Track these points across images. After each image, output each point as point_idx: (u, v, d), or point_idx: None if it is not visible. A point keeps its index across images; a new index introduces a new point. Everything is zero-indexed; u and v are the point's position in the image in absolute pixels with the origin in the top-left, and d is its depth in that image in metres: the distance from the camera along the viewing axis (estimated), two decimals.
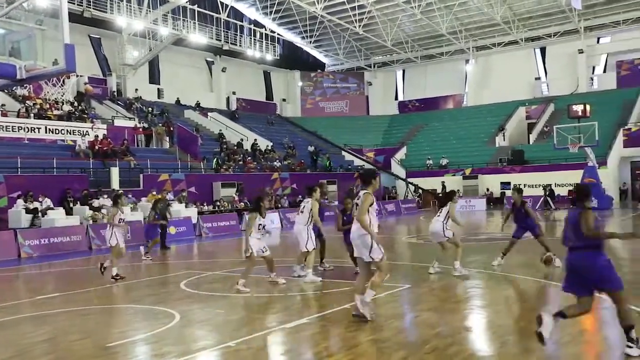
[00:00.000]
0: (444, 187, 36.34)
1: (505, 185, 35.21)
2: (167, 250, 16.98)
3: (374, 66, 52.03)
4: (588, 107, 30.48)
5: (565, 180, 32.25)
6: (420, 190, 37.71)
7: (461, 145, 40.62)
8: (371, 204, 7.23)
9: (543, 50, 45.11)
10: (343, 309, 8.08)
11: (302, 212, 10.76)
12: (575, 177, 30.97)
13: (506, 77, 44.98)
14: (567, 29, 43.01)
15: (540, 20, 43.15)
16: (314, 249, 10.65)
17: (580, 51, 42.42)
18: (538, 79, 45.34)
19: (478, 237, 18.59)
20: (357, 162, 40.05)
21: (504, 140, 40.35)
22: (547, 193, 30.96)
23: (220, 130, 35.03)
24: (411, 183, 38.23)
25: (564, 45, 43.34)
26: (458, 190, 35.59)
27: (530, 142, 39.16)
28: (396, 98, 51.95)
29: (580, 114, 30.28)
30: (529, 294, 9.07)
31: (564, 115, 34.91)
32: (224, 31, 38.97)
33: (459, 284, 9.89)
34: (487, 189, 35.57)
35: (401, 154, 42.01)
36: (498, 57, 46.22)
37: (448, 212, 10.96)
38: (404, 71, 51.75)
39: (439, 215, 11.04)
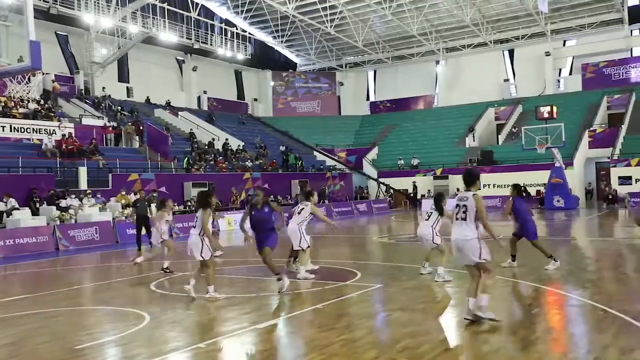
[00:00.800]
0: (415, 187, 36.76)
1: None
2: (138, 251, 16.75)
3: (346, 66, 52.22)
4: (555, 108, 31.12)
5: (533, 180, 32.88)
6: (391, 190, 37.99)
7: (432, 146, 41.04)
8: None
9: (511, 52, 45.94)
10: (315, 309, 8.11)
11: (298, 213, 11.00)
12: (543, 177, 31.68)
13: (476, 78, 45.66)
14: (534, 32, 43.89)
15: (509, 23, 43.92)
16: (308, 247, 10.93)
17: (547, 54, 43.33)
18: (507, 80, 46.14)
19: (447, 236, 18.81)
20: (329, 162, 40.14)
21: (474, 140, 40.92)
22: (522, 195, 31.46)
23: (191, 129, 34.70)
24: (383, 183, 38.48)
25: (532, 47, 44.22)
26: (429, 190, 36.10)
27: (499, 143, 39.81)
28: (368, 98, 52.23)
29: (547, 115, 30.89)
30: (497, 293, 9.22)
31: (531, 116, 35.59)
32: (194, 30, 38.60)
33: (430, 284, 10.00)
34: (458, 189, 35.95)
35: (373, 154, 42.24)
36: (468, 59, 46.87)
37: (438, 217, 10.36)
38: (375, 72, 52.06)
39: (427, 219, 10.51)
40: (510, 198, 11.64)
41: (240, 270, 12.28)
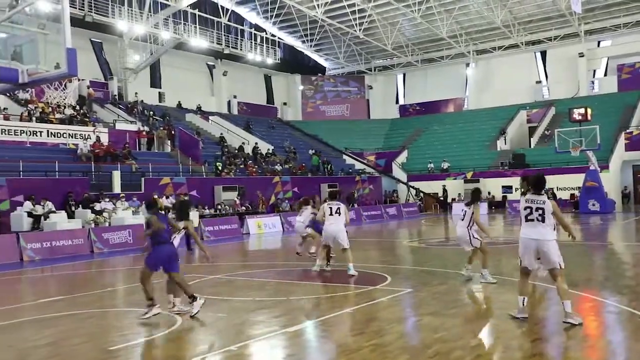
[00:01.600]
0: (445, 190, 36.39)
1: (506, 189, 35.19)
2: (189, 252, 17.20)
3: (375, 70, 52.10)
4: (589, 110, 30.49)
5: (567, 184, 32.24)
6: (421, 194, 37.71)
7: (462, 149, 40.62)
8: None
9: (544, 54, 45.17)
10: (344, 313, 8.09)
11: (338, 214, 11.36)
12: (577, 180, 31.02)
13: (507, 80, 45.05)
14: (567, 33, 43.08)
15: (541, 24, 43.21)
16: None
17: (581, 55, 42.47)
18: (539, 82, 45.37)
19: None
20: (358, 165, 40.07)
21: (505, 144, 40.35)
22: (549, 197, 30.86)
23: (221, 133, 35.07)
24: (412, 187, 38.22)
25: (565, 48, 43.41)
26: (460, 194, 35.69)
27: (532, 146, 39.16)
28: (397, 102, 52.00)
29: (581, 117, 30.28)
30: (530, 299, 9.05)
31: (565, 118, 34.90)
32: (224, 35, 39.05)
33: (461, 288, 9.88)
34: (489, 193, 35.55)
35: (402, 158, 42.01)
36: (499, 61, 46.28)
37: (472, 215, 10.13)
38: (404, 75, 51.81)
39: (462, 219, 10.33)
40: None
41: (269, 274, 12.33)
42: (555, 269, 7.09)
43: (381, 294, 9.40)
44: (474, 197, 10.31)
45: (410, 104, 50.82)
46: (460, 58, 47.48)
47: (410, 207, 34.82)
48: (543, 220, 7.05)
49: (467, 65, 47.45)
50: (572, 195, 32.06)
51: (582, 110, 30.49)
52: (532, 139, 39.93)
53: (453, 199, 35.47)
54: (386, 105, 51.58)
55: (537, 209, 7.09)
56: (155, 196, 16.60)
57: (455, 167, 38.36)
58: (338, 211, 11.31)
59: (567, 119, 32.16)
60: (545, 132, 39.25)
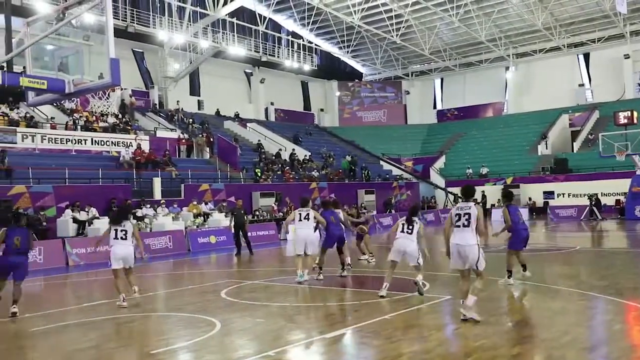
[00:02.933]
0: (484, 196, 35.79)
1: (548, 194, 34.41)
2: (251, 256, 17.68)
3: (412, 75, 51.78)
4: (635, 113, 29.59)
5: (612, 189, 31.29)
6: (460, 200, 37.16)
7: (502, 154, 39.94)
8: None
9: (587, 56, 44.01)
10: (383, 320, 8.02)
11: (307, 219, 11.59)
12: (623, 186, 30.07)
13: (548, 84, 44.10)
14: (611, 34, 41.90)
15: (584, 26, 42.18)
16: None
17: (626, 56, 41.23)
18: (582, 85, 44.24)
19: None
20: (395, 171, 39.83)
21: (547, 148, 39.47)
22: (594, 203, 30.03)
23: (259, 140, 35.41)
24: (451, 192, 37.72)
25: (609, 50, 42.23)
26: (499, 199, 35.01)
27: (574, 150, 38.20)
28: (434, 107, 51.52)
29: (627, 121, 29.42)
30: (574, 307, 8.81)
31: (609, 122, 33.96)
32: (262, 43, 39.49)
33: (502, 296, 9.69)
34: (530, 199, 34.81)
35: (440, 163, 41.56)
36: (540, 64, 45.36)
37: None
38: (442, 79, 51.31)
39: (410, 233, 9.82)
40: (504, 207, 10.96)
41: (306, 279, 12.32)
42: (477, 269, 7.65)
43: (419, 301, 9.30)
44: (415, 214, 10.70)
45: (448, 108, 50.28)
46: (499, 62, 46.74)
47: (449, 213, 34.34)
48: (468, 225, 7.55)
49: (507, 68, 46.67)
50: (618, 201, 31.10)
51: (627, 114, 29.63)
52: (574, 143, 38.94)
53: (492, 205, 34.84)
54: (423, 110, 51.16)
55: (465, 214, 7.59)
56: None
57: (495, 172, 37.72)
58: (307, 217, 11.64)
59: (612, 122, 31.30)
60: (589, 136, 38.23)
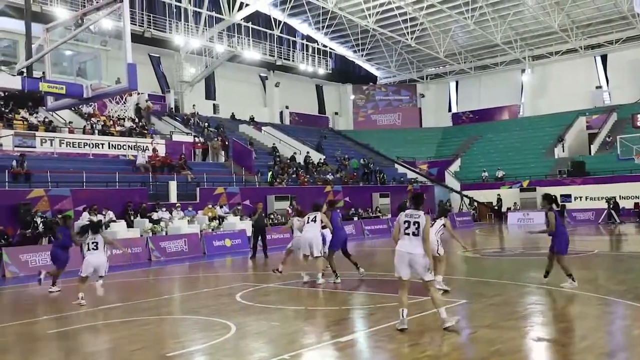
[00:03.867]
0: (499, 199, 35.53)
1: (565, 197, 34.04)
2: (266, 259, 17.69)
3: (427, 78, 51.61)
4: None
5: (630, 192, 30.89)
6: (475, 203, 36.96)
7: (518, 157, 39.61)
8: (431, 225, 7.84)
9: (604, 58, 43.48)
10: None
11: (314, 221, 11.93)
12: None
13: (565, 86, 43.67)
14: (630, 35, 41.36)
15: (601, 27, 41.72)
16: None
17: None
18: (599, 87, 43.72)
19: (538, 252, 18.00)
20: (410, 174, 39.69)
21: (564, 151, 39.06)
22: (612, 206, 29.66)
23: (274, 144, 35.52)
24: (466, 196, 37.52)
25: (627, 52, 41.70)
26: (515, 203, 34.77)
27: (592, 153, 37.75)
28: (449, 110, 51.28)
29: None
30: (592, 312, 8.71)
31: (628, 124, 33.58)
32: (277, 47, 39.63)
33: (518, 300, 9.61)
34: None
35: (455, 166, 41.33)
36: (556, 66, 44.95)
37: (443, 227, 10.67)
38: (457, 82, 51.07)
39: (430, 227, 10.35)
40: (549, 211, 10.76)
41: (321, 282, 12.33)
42: (426, 281, 7.54)
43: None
44: (442, 213, 11.13)
45: (464, 111, 50.02)
46: (515, 64, 46.41)
47: (464, 217, 34.15)
48: (418, 234, 7.46)
49: (523, 71, 46.32)
50: (637, 204, 30.67)
51: None
52: (592, 146, 38.49)
53: (508, 208, 34.59)
54: (438, 113, 50.95)
55: (414, 222, 7.50)
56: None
57: (511, 175, 37.42)
58: (314, 219, 11.95)
59: (630, 124, 30.98)
60: (607, 138, 37.77)
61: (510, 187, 36.28)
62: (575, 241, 22.07)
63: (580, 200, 33.27)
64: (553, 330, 7.66)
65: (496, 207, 35.72)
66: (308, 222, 12.01)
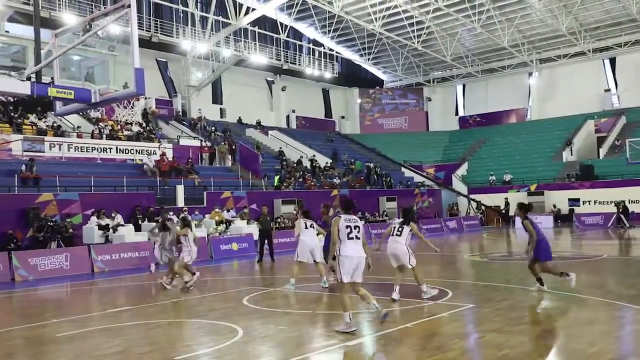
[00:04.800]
0: (507, 203, 35.36)
1: (573, 201, 33.90)
2: (273, 263, 17.77)
3: (433, 81, 51.56)
4: None
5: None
6: (482, 207, 36.83)
7: (525, 161, 39.47)
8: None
9: (613, 61, 43.34)
10: (405, 328, 7.98)
11: (312, 227, 11.96)
12: None
13: (573, 89, 43.53)
14: (639, 38, 41.20)
15: (609, 30, 41.57)
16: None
17: None
18: (608, 90, 43.55)
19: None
20: (417, 178, 39.62)
21: (572, 154, 38.90)
22: (621, 210, 29.46)
23: (280, 148, 35.58)
24: (473, 199, 37.40)
25: (636, 54, 41.53)
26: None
27: (601, 157, 37.57)
28: (456, 113, 51.21)
29: None
30: (602, 316, 8.65)
31: (637, 128, 33.44)
32: (283, 51, 39.74)
33: (527, 305, 9.56)
34: (554, 206, 34.30)
35: (462, 170, 41.23)
36: (564, 69, 44.80)
37: (410, 232, 10.19)
38: (464, 86, 51.00)
39: (398, 235, 10.12)
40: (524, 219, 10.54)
41: (327, 287, 12.32)
42: (358, 283, 7.86)
43: (442, 309, 9.22)
44: (409, 217, 10.36)
45: (471, 115, 49.91)
46: (522, 67, 46.31)
47: (471, 220, 34.03)
48: (360, 238, 7.78)
49: (530, 74, 46.22)
50: None
51: None
52: (600, 149, 38.30)
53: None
54: (445, 117, 50.87)
55: (355, 227, 7.75)
56: None
57: (518, 179, 37.28)
58: (312, 225, 12.02)
59: (639, 128, 30.69)
60: (616, 142, 37.58)
61: (518, 191, 36.16)
62: (583, 245, 21.96)
63: (589, 204, 33.10)
64: (562, 335, 7.61)
65: (504, 211, 35.58)
66: (306, 228, 11.95)
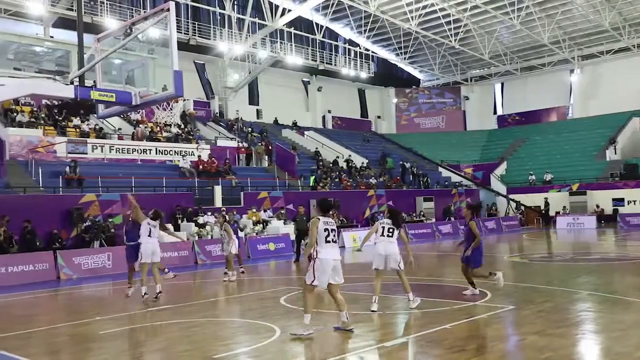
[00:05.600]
0: (547, 203, 34.59)
1: (617, 201, 32.91)
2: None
3: (471, 80, 50.81)
4: None
5: None
6: (522, 207, 36.11)
7: (567, 160, 38.52)
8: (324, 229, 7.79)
9: None
10: (443, 330, 7.89)
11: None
12: None
13: (617, 86, 42.21)
14: None
15: None
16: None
17: None
18: None
19: (589, 257, 17.45)
20: (455, 178, 39.13)
21: (616, 153, 37.76)
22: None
23: (317, 148, 35.65)
24: (512, 199, 36.70)
25: None
26: (564, 207, 33.78)
27: None
28: (495, 112, 50.34)
29: None
30: (632, 317, 8.37)
31: None
32: (319, 51, 39.80)
33: (570, 307, 9.32)
34: (597, 206, 33.37)
35: (501, 170, 40.52)
36: (607, 66, 43.52)
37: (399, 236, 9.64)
38: (502, 84, 50.10)
39: (389, 235, 9.45)
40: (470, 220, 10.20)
41: (364, 287, 12.28)
42: (338, 283, 7.86)
43: (481, 311, 9.08)
44: (398, 221, 9.71)
45: (509, 114, 49.01)
46: (563, 64, 45.20)
47: (511, 221, 33.40)
48: (337, 241, 7.85)
49: (572, 71, 45.07)
50: None
51: None
52: None
53: (557, 212, 33.63)
54: (483, 116, 50.08)
55: (332, 230, 7.76)
56: None
57: (559, 178, 36.42)
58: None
59: None
60: None
61: (559, 191, 35.33)
62: (628, 247, 21.28)
63: (634, 204, 32.10)
64: (606, 339, 7.38)
65: (544, 211, 34.81)
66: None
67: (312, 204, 21.04)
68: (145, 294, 11.03)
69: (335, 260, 7.76)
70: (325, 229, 7.71)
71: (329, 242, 7.72)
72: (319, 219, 7.74)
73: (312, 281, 7.66)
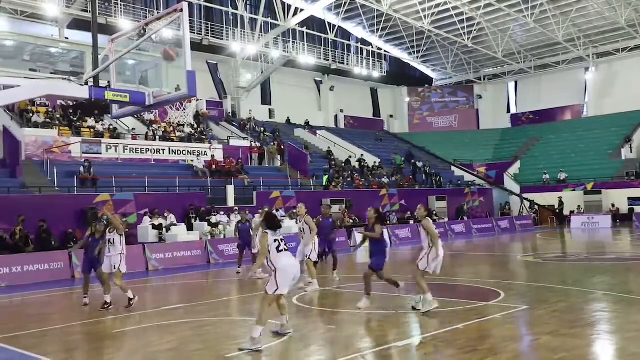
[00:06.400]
0: (561, 202, 34.29)
1: (633, 200, 32.53)
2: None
3: (484, 79, 50.50)
4: None
5: None
6: (536, 207, 35.83)
7: (581, 159, 38.15)
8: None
9: None
10: (455, 330, 7.86)
11: None
12: None
13: (632, 84, 41.70)
14: None
15: None
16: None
17: None
18: None
19: (604, 256, 17.28)
20: (468, 177, 38.92)
21: (631, 152, 37.32)
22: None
23: (329, 147, 35.65)
24: (526, 199, 36.43)
25: None
26: (579, 206, 33.47)
27: None
28: (508, 111, 50.00)
29: None
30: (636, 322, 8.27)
31: None
32: (331, 51, 39.79)
33: (584, 307, 9.24)
34: (613, 205, 33.02)
35: (514, 169, 40.23)
36: (623, 64, 43.02)
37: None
38: (516, 82, 49.73)
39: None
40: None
41: (376, 287, 12.26)
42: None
43: (494, 311, 9.04)
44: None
45: (523, 112, 48.65)
46: (578, 62, 44.77)
47: (524, 220, 33.16)
48: (288, 249, 7.83)
49: (587, 69, 44.62)
50: None
51: None
52: None
53: (571, 212, 33.32)
54: (497, 114, 49.75)
55: (282, 239, 7.77)
56: None
57: (574, 177, 36.09)
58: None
59: None
60: None
61: (574, 190, 35.00)
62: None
63: None
64: (620, 339, 7.31)
65: (558, 211, 34.52)
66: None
67: (324, 203, 20.99)
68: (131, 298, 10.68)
69: (294, 267, 7.75)
70: (275, 240, 7.67)
71: (281, 251, 7.65)
72: (267, 233, 7.62)
73: (275, 290, 7.51)
